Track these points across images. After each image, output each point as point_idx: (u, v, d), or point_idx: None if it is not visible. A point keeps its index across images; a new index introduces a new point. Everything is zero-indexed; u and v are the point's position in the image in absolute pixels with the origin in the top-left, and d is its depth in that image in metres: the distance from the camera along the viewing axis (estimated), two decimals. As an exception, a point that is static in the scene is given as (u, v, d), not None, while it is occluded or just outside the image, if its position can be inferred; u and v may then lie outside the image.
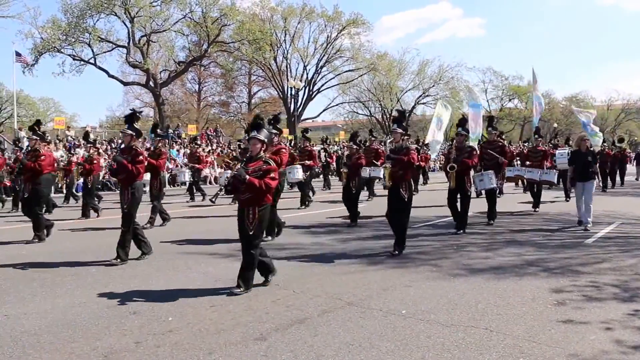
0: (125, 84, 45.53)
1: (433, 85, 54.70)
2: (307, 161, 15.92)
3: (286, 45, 48.92)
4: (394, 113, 9.36)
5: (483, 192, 12.16)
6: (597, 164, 11.52)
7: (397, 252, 8.49)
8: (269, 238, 9.88)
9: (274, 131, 9.91)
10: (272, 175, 6.24)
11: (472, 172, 11.60)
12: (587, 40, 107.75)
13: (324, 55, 49.64)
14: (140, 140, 8.97)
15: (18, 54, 34.32)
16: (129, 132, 8.40)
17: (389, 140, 9.62)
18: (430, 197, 18.06)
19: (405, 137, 14.49)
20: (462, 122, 11.49)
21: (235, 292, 6.14)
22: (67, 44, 36.47)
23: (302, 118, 51.61)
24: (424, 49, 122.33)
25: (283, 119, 51.85)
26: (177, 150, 30.43)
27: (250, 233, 6.22)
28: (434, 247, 9.16)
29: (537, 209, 14.62)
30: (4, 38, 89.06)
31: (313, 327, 5.05)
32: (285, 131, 41.98)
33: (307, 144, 17.00)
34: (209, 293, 6.27)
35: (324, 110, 55.76)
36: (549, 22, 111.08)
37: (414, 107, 56.58)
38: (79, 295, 6.27)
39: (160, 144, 12.68)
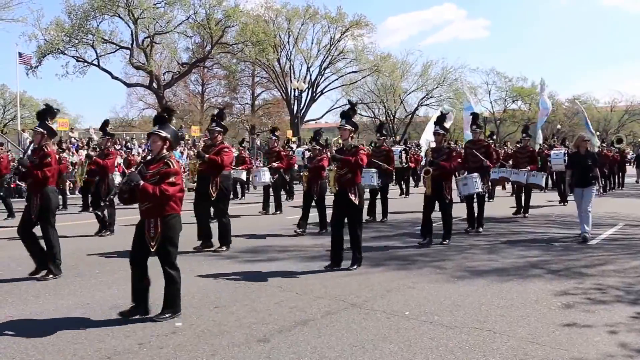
0: (128, 85, 45.64)
1: (436, 87, 54.72)
2: (274, 163, 14.65)
3: (289, 47, 49.01)
4: (347, 106, 8.12)
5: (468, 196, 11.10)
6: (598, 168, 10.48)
7: (354, 268, 7.55)
8: (223, 248, 9.09)
9: (218, 128, 9.34)
10: (171, 179, 5.23)
11: (458, 175, 10.87)
12: (591, 42, 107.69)
13: (327, 57, 49.66)
14: (53, 139, 8.00)
15: (21, 55, 34.40)
16: (40, 130, 7.34)
17: (334, 139, 8.65)
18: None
19: (383, 138, 13.71)
20: (440, 119, 10.13)
21: (157, 320, 5.21)
22: (70, 45, 36.53)
23: (306, 119, 51.69)
24: (428, 51, 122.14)
25: (286, 120, 52.06)
26: (181, 152, 30.45)
27: (152, 250, 5.22)
28: (436, 249, 9.14)
29: (527, 215, 13.74)
30: (7, 40, 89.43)
31: (316, 328, 5.04)
32: (289, 133, 42.11)
33: (276, 144, 15.51)
34: (211, 294, 6.26)
35: (327, 112, 55.72)
36: (552, 23, 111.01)
37: (417, 109, 56.73)
38: (82, 296, 6.28)
39: (109, 143, 11.71)
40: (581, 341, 4.65)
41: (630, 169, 30.19)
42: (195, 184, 9.82)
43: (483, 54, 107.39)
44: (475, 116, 12.22)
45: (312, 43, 49.65)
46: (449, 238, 9.64)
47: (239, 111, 59.36)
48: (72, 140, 28.42)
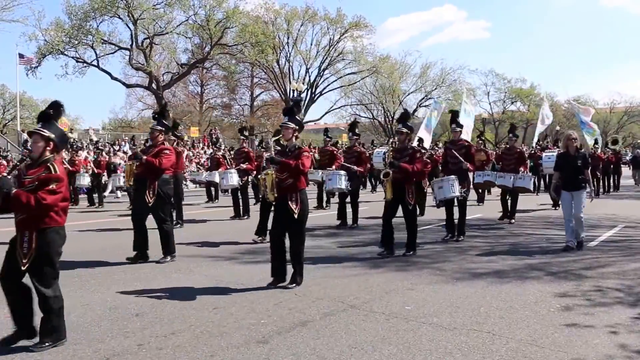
0: (128, 86, 45.67)
1: (435, 88, 54.83)
2: (242, 165, 13.89)
3: (289, 48, 49.12)
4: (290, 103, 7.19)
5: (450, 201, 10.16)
6: (590, 170, 9.36)
7: (292, 286, 6.57)
8: (167, 259, 8.28)
9: (158, 127, 8.64)
10: (51, 187, 4.46)
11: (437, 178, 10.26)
12: (591, 43, 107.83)
13: (326, 58, 49.76)
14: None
15: (22, 56, 34.47)
16: None
17: (273, 139, 8.17)
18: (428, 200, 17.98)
19: (355, 138, 12.55)
20: (404, 116, 9.10)
21: (34, 350, 4.53)
22: (70, 46, 36.58)
23: (305, 121, 51.63)
24: (429, 52, 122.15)
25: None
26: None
27: (23, 268, 4.49)
28: (436, 251, 9.14)
29: (513, 221, 12.75)
30: (7, 41, 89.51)
31: (315, 330, 5.04)
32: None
33: (245, 145, 14.54)
34: (211, 295, 6.26)
35: (326, 113, 55.79)
36: (553, 24, 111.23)
37: (415, 110, 56.72)
38: (81, 297, 6.26)
39: None
40: (581, 343, 4.65)
41: (627, 171, 30.02)
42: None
43: (483, 55, 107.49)
44: (454, 114, 11.10)
45: (311, 44, 49.87)
46: (413, 249, 8.69)
47: (238, 112, 59.47)
48: (71, 141, 28.44)
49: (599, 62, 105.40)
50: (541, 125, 19.45)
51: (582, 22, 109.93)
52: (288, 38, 48.54)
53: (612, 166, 22.84)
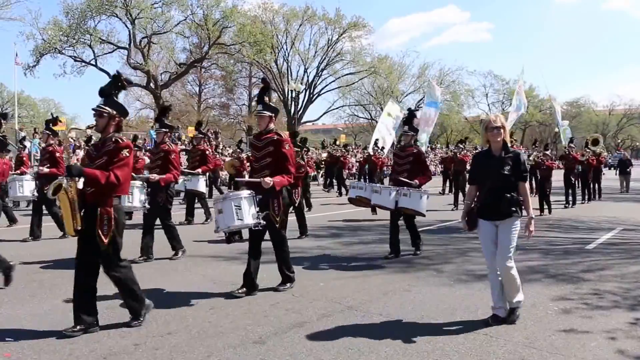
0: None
1: (433, 89, 54.84)
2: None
3: (287, 48, 49.08)
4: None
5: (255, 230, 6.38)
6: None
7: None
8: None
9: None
10: None
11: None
12: (592, 45, 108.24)
13: (324, 58, 49.77)
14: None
15: (17, 56, 34.40)
16: None
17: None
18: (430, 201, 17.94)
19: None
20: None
21: None
22: (68, 45, 36.52)
23: (303, 121, 51.70)
24: (431, 53, 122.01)
25: (283, 122, 52.11)
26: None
27: None
28: (435, 252, 9.12)
29: (419, 252, 8.83)
30: (5, 39, 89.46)
31: (312, 331, 5.03)
32: (285, 134, 42.07)
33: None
34: (208, 295, 6.25)
35: (324, 113, 55.71)
36: (554, 26, 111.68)
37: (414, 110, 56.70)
38: (77, 296, 6.23)
39: None
40: (578, 346, 4.64)
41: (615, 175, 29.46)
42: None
43: (485, 57, 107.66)
44: (264, 88, 6.80)
45: (309, 44, 49.86)
46: (137, 318, 5.21)
47: (236, 112, 59.43)
48: (70, 140, 28.36)
49: (600, 64, 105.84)
50: (514, 113, 18.94)
51: (584, 25, 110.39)
52: (286, 38, 48.57)
53: (591, 170, 19.17)
